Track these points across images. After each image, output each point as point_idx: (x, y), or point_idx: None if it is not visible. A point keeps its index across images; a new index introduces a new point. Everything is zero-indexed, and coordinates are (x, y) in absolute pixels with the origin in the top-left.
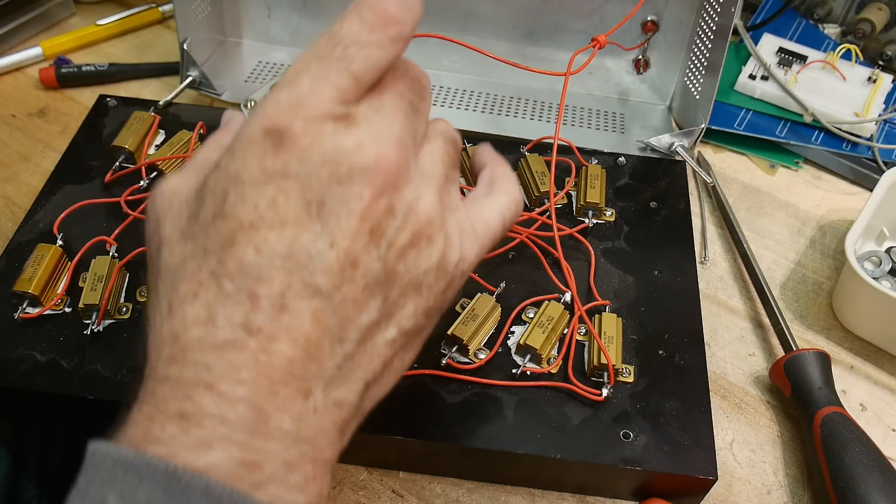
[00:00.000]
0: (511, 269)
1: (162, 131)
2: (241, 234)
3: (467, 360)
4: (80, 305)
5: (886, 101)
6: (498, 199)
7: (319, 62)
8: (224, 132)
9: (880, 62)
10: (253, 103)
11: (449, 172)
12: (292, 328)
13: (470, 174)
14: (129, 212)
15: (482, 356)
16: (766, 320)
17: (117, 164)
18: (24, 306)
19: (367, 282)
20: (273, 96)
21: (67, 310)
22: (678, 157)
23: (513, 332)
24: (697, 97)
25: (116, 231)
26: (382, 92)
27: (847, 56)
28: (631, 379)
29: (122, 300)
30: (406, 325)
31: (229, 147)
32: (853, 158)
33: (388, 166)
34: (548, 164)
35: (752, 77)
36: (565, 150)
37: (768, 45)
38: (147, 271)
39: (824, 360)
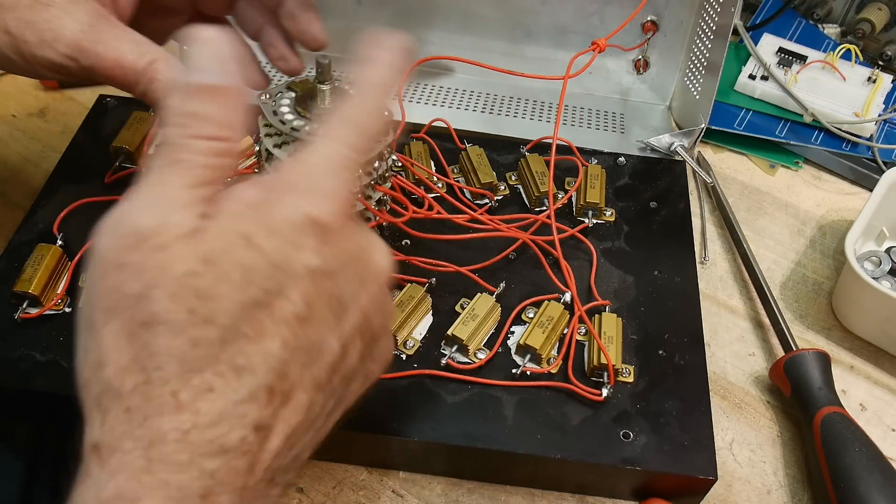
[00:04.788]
0: (511, 269)
1: None
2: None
3: (467, 360)
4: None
5: (886, 101)
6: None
7: None
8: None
9: (880, 62)
10: (267, 95)
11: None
12: None
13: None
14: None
15: (482, 356)
16: (766, 320)
17: (117, 164)
18: (24, 306)
19: None
20: None
21: (67, 310)
22: (678, 157)
23: (513, 332)
24: (697, 97)
25: None
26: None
27: (847, 56)
28: (631, 379)
29: None
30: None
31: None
32: (853, 158)
33: None
34: (548, 164)
35: (752, 77)
36: (565, 150)
37: (768, 45)
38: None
39: (824, 360)
